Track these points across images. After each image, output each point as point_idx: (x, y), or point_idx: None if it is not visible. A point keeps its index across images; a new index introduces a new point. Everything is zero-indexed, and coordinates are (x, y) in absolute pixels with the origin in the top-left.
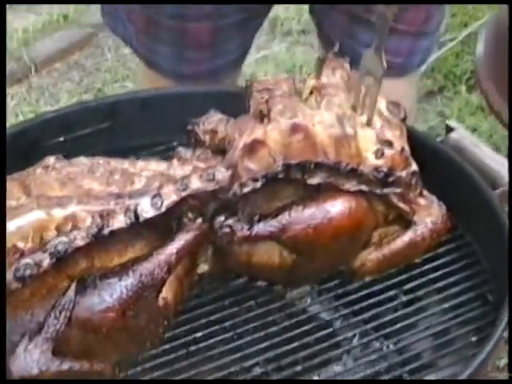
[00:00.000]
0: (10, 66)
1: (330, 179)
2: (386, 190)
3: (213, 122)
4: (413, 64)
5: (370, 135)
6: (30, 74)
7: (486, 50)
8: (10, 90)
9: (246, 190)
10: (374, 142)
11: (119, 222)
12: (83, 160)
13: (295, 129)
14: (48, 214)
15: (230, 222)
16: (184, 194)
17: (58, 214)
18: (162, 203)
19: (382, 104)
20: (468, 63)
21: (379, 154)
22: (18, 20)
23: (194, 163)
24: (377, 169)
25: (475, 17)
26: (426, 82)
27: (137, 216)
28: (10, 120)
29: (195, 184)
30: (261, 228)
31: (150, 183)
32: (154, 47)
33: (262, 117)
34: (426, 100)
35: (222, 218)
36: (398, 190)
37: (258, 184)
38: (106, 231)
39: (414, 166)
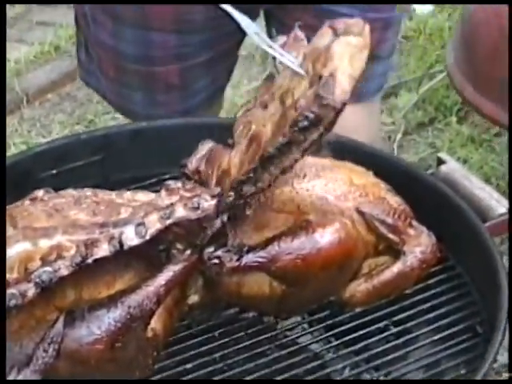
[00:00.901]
0: None
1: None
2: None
3: (197, 160)
4: (369, 90)
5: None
6: (22, 105)
7: (454, 46)
8: None
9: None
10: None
11: (103, 250)
12: (71, 192)
13: (251, 141)
14: (34, 244)
15: (218, 253)
16: (168, 222)
17: (44, 244)
18: (146, 231)
19: None
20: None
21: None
22: (11, 51)
23: (181, 193)
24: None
25: None
26: (417, 114)
27: (121, 244)
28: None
29: (180, 212)
30: (250, 259)
31: (135, 213)
32: (126, 94)
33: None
34: (416, 131)
35: (211, 249)
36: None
37: (218, 222)
38: (90, 260)
39: None
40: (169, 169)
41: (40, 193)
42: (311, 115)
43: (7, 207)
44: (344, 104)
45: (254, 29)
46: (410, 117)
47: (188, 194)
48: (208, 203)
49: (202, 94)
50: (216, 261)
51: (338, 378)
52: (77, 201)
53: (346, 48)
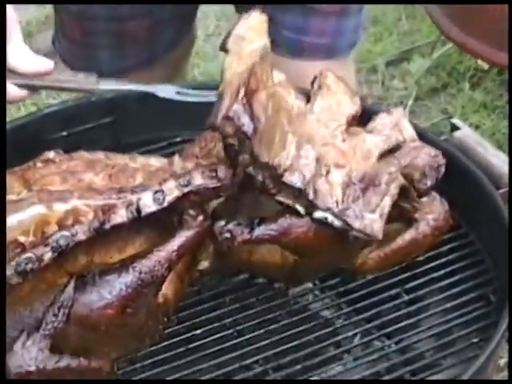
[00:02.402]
0: None
1: None
2: None
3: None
4: (341, 45)
5: None
6: None
7: None
8: None
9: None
10: None
11: (121, 216)
12: (84, 154)
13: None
14: (49, 208)
15: (230, 226)
16: (186, 189)
17: (60, 208)
18: (164, 198)
19: None
20: (472, 61)
21: None
22: (21, 12)
23: (196, 160)
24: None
25: None
26: (430, 79)
27: (139, 211)
28: (12, 112)
29: (197, 180)
30: (261, 232)
31: (151, 178)
32: (91, 55)
33: None
34: (428, 97)
35: (222, 223)
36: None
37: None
38: (107, 226)
39: None
40: (179, 132)
41: (51, 154)
42: None
43: (18, 168)
44: None
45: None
46: (422, 82)
47: (204, 162)
48: (225, 172)
49: (170, 35)
50: (227, 235)
51: (349, 346)
52: (90, 164)
53: None
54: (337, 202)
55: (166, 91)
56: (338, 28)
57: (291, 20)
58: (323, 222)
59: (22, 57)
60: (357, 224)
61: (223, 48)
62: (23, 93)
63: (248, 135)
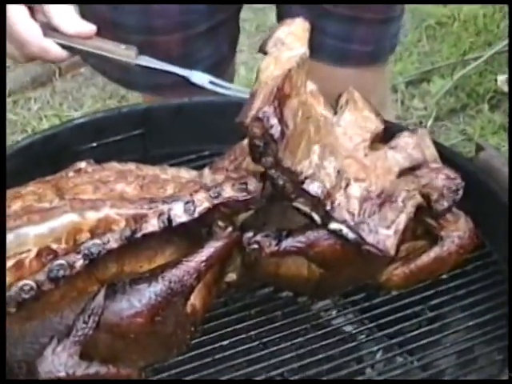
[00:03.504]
0: (35, 69)
1: None
2: None
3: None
4: (383, 51)
5: None
6: (54, 77)
7: None
8: (33, 94)
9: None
10: None
11: (152, 226)
12: (115, 165)
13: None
14: (81, 216)
15: (258, 238)
16: (216, 201)
17: (92, 216)
18: (194, 209)
19: None
20: (491, 82)
21: None
22: None
23: (226, 173)
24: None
25: (500, 36)
26: (449, 100)
27: (170, 221)
28: (33, 123)
29: (228, 193)
30: (288, 244)
31: (181, 190)
32: (125, 68)
33: None
34: (448, 118)
35: (250, 234)
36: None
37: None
38: (139, 234)
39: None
40: (208, 146)
41: (82, 164)
42: None
43: (50, 177)
44: None
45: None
46: (441, 103)
47: (234, 175)
48: (255, 185)
49: (203, 64)
50: (255, 246)
51: (371, 362)
52: (122, 174)
53: None
54: (353, 215)
55: (199, 78)
56: (382, 35)
57: (335, 28)
58: (337, 234)
59: (64, 17)
60: (370, 238)
61: (262, 49)
62: (65, 54)
63: (274, 138)
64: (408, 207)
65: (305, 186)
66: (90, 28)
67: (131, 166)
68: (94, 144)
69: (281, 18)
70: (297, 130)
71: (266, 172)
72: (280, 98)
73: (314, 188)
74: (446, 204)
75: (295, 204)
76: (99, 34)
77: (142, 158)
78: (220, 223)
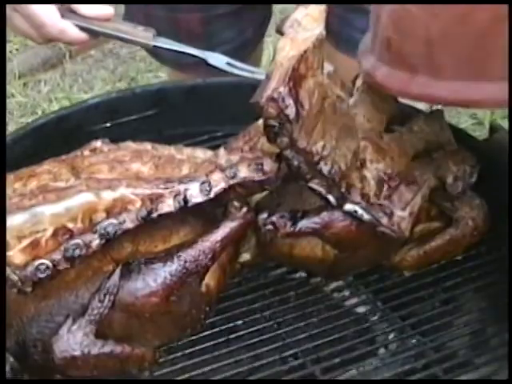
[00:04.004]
0: (45, 51)
1: None
2: None
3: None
4: None
5: None
6: (65, 60)
7: None
8: (43, 76)
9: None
10: None
11: (168, 206)
12: (131, 144)
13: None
14: (97, 196)
15: (273, 218)
16: (232, 181)
17: (108, 196)
18: (210, 189)
19: None
20: None
21: None
22: None
23: (241, 154)
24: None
25: None
26: None
27: (186, 201)
28: (43, 106)
29: (244, 173)
30: (304, 225)
31: (197, 170)
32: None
33: None
34: None
35: (265, 215)
36: None
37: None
38: (155, 214)
39: None
40: (220, 126)
41: (98, 143)
42: None
43: (65, 157)
44: None
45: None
46: None
47: (249, 155)
48: (270, 166)
49: (227, 46)
50: (271, 226)
51: (384, 343)
52: (138, 154)
53: None
54: (368, 197)
55: (216, 60)
56: None
57: (364, 22)
58: (352, 215)
59: None
60: (385, 220)
61: (279, 30)
62: (83, 35)
63: (290, 119)
64: (423, 189)
65: (319, 167)
66: (108, 10)
67: (147, 145)
68: (108, 124)
69: None
70: (312, 110)
71: (282, 152)
72: (295, 79)
73: (328, 169)
74: (460, 187)
75: (310, 185)
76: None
77: (155, 138)
78: (235, 203)
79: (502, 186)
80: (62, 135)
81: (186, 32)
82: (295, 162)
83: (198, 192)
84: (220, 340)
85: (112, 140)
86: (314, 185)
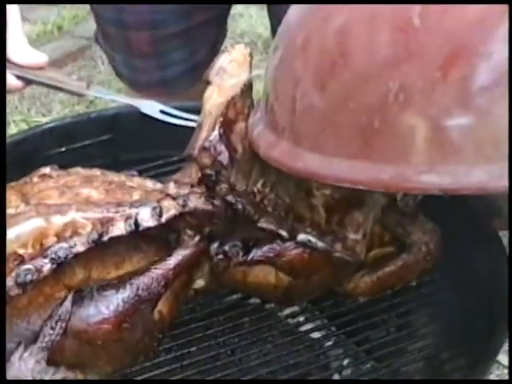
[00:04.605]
0: None
1: None
2: None
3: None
4: None
5: None
6: None
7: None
8: None
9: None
10: None
11: (119, 229)
12: (80, 170)
13: None
14: (47, 221)
15: (225, 248)
16: (183, 210)
17: (58, 221)
18: (161, 215)
19: None
20: None
21: None
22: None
23: (191, 189)
24: None
25: None
26: None
27: (137, 224)
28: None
29: (194, 203)
30: (256, 253)
31: (147, 197)
32: (111, 57)
33: None
34: None
35: (216, 245)
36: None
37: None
38: (105, 238)
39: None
40: (176, 151)
41: (47, 170)
42: None
43: (14, 183)
44: None
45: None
46: None
47: (199, 190)
48: (219, 201)
49: (179, 67)
50: (222, 256)
51: (339, 369)
52: (88, 179)
53: None
54: (319, 225)
55: (150, 108)
56: None
57: None
58: (307, 245)
59: (16, 48)
60: (339, 246)
61: (205, 80)
62: (19, 83)
63: (224, 164)
64: (374, 210)
65: (264, 205)
66: (41, 59)
67: (96, 171)
68: (63, 149)
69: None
70: (247, 152)
71: (224, 199)
72: (225, 125)
73: (273, 205)
74: (411, 202)
75: (260, 225)
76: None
77: (110, 163)
78: (188, 231)
79: (455, 214)
80: (17, 160)
81: (138, 51)
82: (239, 206)
83: (149, 216)
84: (174, 366)
85: (67, 165)
86: (263, 224)
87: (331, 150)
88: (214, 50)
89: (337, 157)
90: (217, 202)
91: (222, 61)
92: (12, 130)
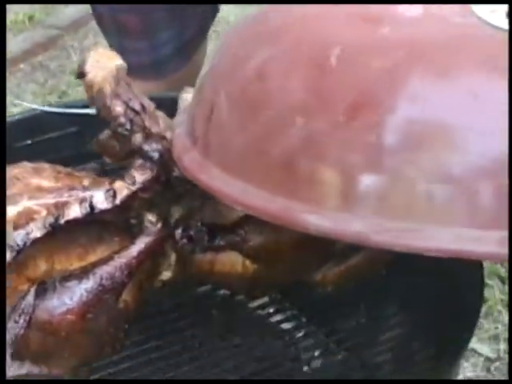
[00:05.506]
0: None
1: None
2: None
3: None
4: None
5: None
6: None
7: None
8: None
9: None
10: None
11: (75, 212)
12: (27, 163)
13: None
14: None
15: (190, 232)
16: (134, 187)
17: (11, 211)
18: (115, 197)
19: None
20: None
21: None
22: None
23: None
24: None
25: None
26: None
27: (92, 207)
28: None
29: (140, 177)
30: (222, 238)
31: (97, 184)
32: (107, 41)
33: None
34: None
35: (181, 229)
36: None
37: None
38: (62, 221)
39: None
40: None
41: None
42: None
43: None
44: None
45: None
46: None
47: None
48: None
49: (169, 45)
50: (187, 241)
51: (309, 359)
52: (36, 170)
53: None
54: None
55: None
56: None
57: None
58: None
59: None
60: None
61: (81, 75)
62: None
63: (136, 110)
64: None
65: None
66: None
67: (44, 164)
68: (29, 142)
69: None
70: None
71: (141, 152)
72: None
73: None
74: None
75: (176, 174)
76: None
77: (77, 154)
78: (151, 218)
79: None
80: None
81: (127, 32)
82: (155, 155)
83: (103, 199)
84: (142, 359)
85: (34, 157)
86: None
87: (233, 170)
88: (205, 27)
89: (236, 178)
90: (152, 165)
91: (93, 56)
92: None
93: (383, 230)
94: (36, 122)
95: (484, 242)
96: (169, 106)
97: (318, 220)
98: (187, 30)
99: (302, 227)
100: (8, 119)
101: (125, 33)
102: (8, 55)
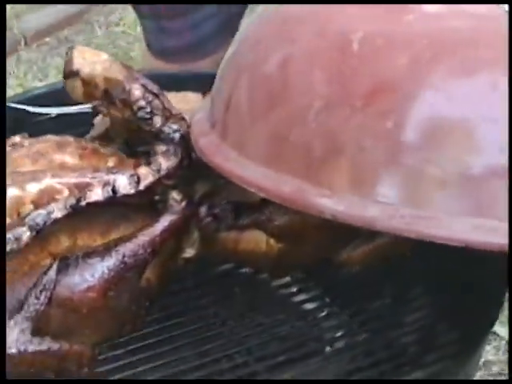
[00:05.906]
0: None
1: None
2: None
3: None
4: None
5: None
6: (20, 47)
7: None
8: None
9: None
10: None
11: (96, 195)
12: (52, 137)
13: None
14: (23, 189)
15: (215, 210)
16: (159, 175)
17: (33, 188)
18: (139, 182)
19: None
20: None
21: None
22: None
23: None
24: None
25: None
26: None
27: (115, 191)
28: None
29: (166, 164)
30: (246, 216)
31: (122, 164)
32: (143, 26)
33: None
34: None
35: (206, 207)
36: None
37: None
38: (83, 203)
39: None
40: None
41: (17, 138)
42: None
43: None
44: None
45: None
46: None
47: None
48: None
49: (210, 22)
50: (212, 219)
51: (331, 340)
52: (60, 145)
53: None
54: None
55: None
56: None
57: None
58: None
59: None
60: None
61: (72, 73)
62: None
63: (155, 92)
64: None
65: None
66: None
67: (69, 138)
68: (53, 115)
69: None
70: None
71: (161, 135)
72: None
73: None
74: None
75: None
76: None
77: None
78: (176, 196)
79: None
80: (10, 125)
81: (165, 12)
82: (176, 136)
83: (127, 183)
84: (164, 337)
85: (57, 131)
86: None
87: (249, 153)
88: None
89: (252, 160)
90: (176, 151)
91: (77, 56)
92: (9, 94)
93: (397, 215)
94: (60, 95)
95: (499, 234)
96: None
97: (331, 204)
98: (227, 7)
99: (316, 210)
100: (33, 92)
101: (162, 13)
102: (34, 29)
